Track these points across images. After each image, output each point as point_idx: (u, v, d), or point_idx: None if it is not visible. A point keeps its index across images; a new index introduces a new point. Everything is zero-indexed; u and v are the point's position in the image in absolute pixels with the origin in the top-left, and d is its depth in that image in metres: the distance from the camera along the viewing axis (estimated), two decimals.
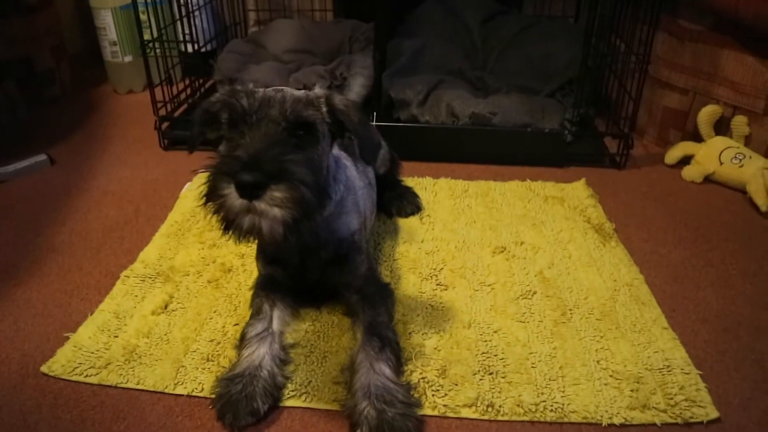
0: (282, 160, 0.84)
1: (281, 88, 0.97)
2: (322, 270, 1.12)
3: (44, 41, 2.26)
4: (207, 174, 0.86)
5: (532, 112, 1.88)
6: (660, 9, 1.73)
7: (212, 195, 0.84)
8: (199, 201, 0.87)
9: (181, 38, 2.17)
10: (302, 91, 0.98)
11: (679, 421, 0.98)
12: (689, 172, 1.79)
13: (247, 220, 0.83)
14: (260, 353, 1.03)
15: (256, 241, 1.18)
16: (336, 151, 1.11)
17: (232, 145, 0.89)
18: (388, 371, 1.00)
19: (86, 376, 1.06)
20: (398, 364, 1.04)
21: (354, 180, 1.19)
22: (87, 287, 1.30)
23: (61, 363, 1.08)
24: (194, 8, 2.19)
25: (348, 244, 1.12)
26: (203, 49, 2.27)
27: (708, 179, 1.77)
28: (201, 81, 2.26)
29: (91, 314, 1.20)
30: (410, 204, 1.55)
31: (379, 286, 1.17)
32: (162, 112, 1.95)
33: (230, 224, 0.85)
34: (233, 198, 0.83)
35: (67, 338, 1.14)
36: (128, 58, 2.40)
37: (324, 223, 1.07)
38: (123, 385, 1.04)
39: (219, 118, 0.95)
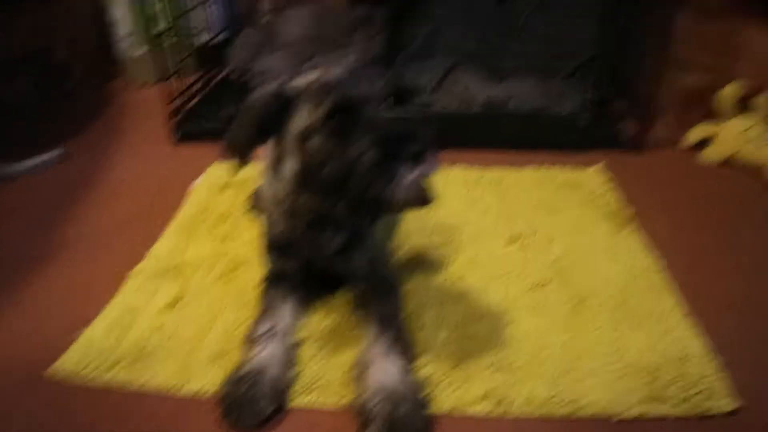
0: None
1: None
2: (329, 260, 1.11)
3: (58, 35, 2.27)
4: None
5: (549, 95, 1.84)
6: None
7: None
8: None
9: (194, 30, 2.16)
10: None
11: (697, 412, 0.96)
12: (711, 154, 1.74)
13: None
14: (268, 352, 1.03)
15: (265, 236, 1.18)
16: None
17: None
18: (398, 367, 0.99)
19: (97, 373, 1.06)
20: (409, 359, 1.03)
21: None
22: (99, 283, 1.31)
23: (73, 360, 1.09)
24: None
25: (355, 231, 1.10)
26: (216, 40, 2.26)
27: (730, 160, 1.72)
28: (214, 72, 2.25)
29: (103, 310, 1.21)
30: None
31: (388, 278, 1.16)
32: (175, 105, 1.95)
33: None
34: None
35: (80, 335, 1.15)
36: (141, 51, 2.40)
37: None
38: (133, 382, 1.04)
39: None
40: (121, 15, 2.31)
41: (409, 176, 0.86)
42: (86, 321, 1.18)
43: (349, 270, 1.14)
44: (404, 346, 1.03)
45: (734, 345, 1.09)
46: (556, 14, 2.17)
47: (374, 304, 1.10)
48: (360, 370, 1.01)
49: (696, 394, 0.98)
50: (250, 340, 1.06)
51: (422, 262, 1.31)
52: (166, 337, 1.13)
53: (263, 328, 1.07)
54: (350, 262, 1.12)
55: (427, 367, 1.04)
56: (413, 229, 1.42)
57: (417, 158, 0.86)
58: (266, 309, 1.11)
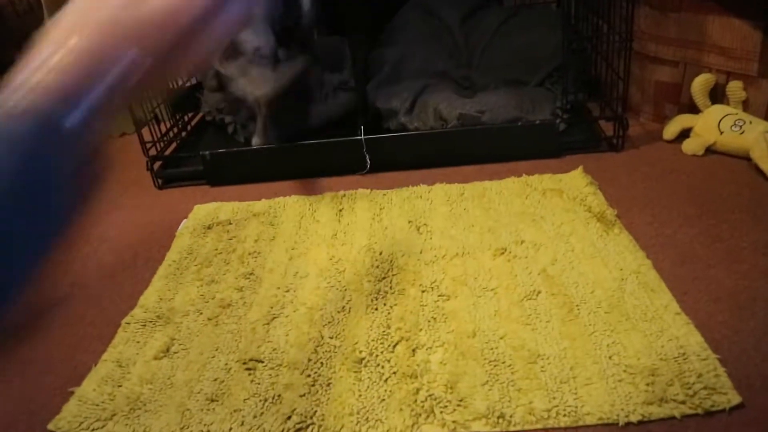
0: None
1: None
2: None
3: None
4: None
5: (521, 105, 1.84)
6: None
7: None
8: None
9: None
10: None
11: (699, 411, 0.94)
12: (689, 146, 1.75)
13: None
14: None
15: None
16: None
17: None
18: None
19: (93, 429, 1.05)
20: None
21: None
22: (90, 338, 1.29)
23: (68, 419, 1.07)
24: None
25: None
26: (188, 84, 2.27)
27: (710, 150, 1.72)
28: (189, 116, 2.25)
29: (95, 366, 1.20)
30: None
31: None
32: (152, 152, 1.95)
33: None
34: None
35: (73, 393, 1.13)
36: None
37: None
38: None
39: None
40: None
41: None
42: (80, 378, 1.17)
43: None
44: None
45: (725, 340, 1.08)
46: (521, 25, 2.20)
47: None
48: None
49: (697, 391, 0.96)
50: None
51: (411, 284, 1.30)
52: (160, 386, 1.12)
53: None
54: None
55: (423, 391, 1.02)
56: (400, 251, 1.41)
57: None
58: None
